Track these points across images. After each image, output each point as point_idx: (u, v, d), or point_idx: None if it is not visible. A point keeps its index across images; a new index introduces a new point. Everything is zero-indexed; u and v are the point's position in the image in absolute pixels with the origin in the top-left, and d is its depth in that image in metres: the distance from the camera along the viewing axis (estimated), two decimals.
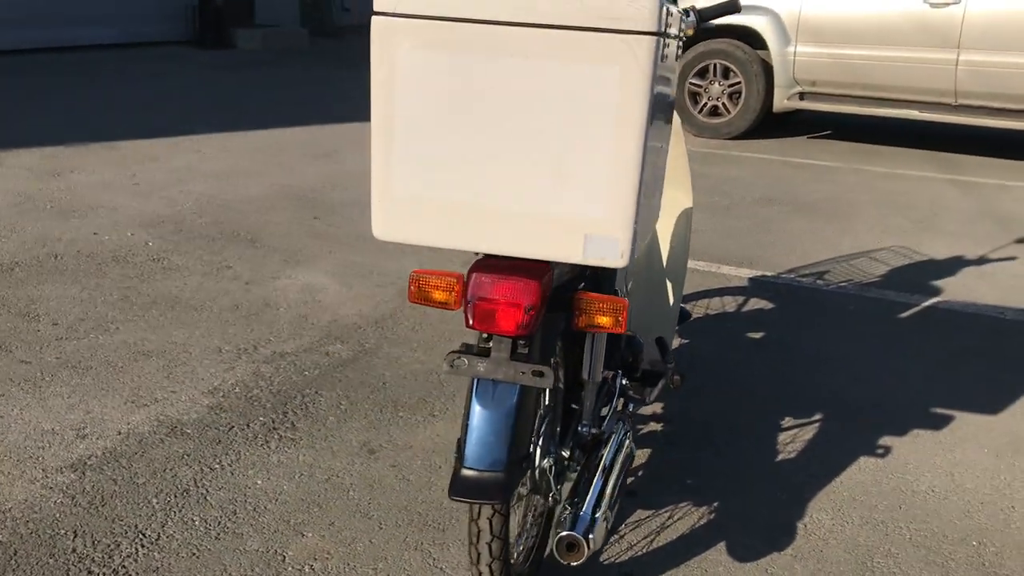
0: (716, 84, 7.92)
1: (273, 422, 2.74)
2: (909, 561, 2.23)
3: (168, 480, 2.42)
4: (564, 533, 1.71)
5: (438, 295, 1.72)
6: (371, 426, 2.75)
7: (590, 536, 1.71)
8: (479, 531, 1.70)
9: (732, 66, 7.82)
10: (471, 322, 1.57)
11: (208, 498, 2.35)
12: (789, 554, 2.24)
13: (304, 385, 2.98)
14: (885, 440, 2.82)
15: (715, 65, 7.90)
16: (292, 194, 5.33)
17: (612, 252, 1.47)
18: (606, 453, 1.96)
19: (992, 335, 3.69)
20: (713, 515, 2.38)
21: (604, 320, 1.63)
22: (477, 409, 1.63)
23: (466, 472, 1.60)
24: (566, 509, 1.80)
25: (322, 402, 2.88)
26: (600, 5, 1.37)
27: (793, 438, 2.80)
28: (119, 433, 2.64)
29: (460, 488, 1.59)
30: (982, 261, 4.69)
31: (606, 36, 1.38)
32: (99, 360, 3.09)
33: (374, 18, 1.47)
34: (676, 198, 2.70)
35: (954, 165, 7.07)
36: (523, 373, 1.60)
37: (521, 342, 1.62)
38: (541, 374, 1.60)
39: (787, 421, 2.90)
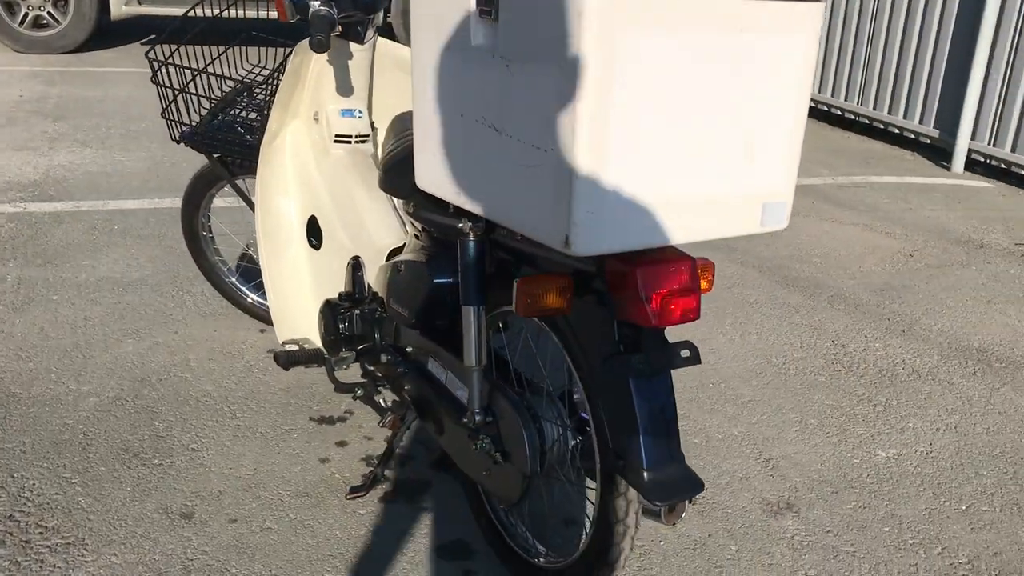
0: None
1: (16, 538, 1.96)
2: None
3: None
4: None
5: (552, 300, 1.52)
6: (145, 489, 2.15)
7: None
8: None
9: None
10: (655, 321, 1.44)
11: None
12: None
13: None
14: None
15: None
16: None
17: (781, 216, 1.49)
18: None
19: None
20: None
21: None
22: (645, 408, 1.52)
23: (653, 475, 1.50)
24: None
25: (40, 486, 2.13)
26: None
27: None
28: None
29: (665, 492, 1.49)
30: None
31: (798, 5, 1.37)
32: None
33: None
34: None
35: None
36: (675, 356, 1.54)
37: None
38: (691, 350, 1.56)
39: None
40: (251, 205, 2.69)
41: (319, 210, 2.40)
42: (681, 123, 1.34)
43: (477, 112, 1.46)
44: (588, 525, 1.69)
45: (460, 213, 1.75)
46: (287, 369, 2.28)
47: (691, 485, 1.52)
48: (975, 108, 5.68)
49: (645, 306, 1.45)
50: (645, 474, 1.50)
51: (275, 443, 2.37)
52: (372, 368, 2.20)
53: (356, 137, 2.39)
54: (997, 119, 5.63)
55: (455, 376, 1.88)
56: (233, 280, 2.95)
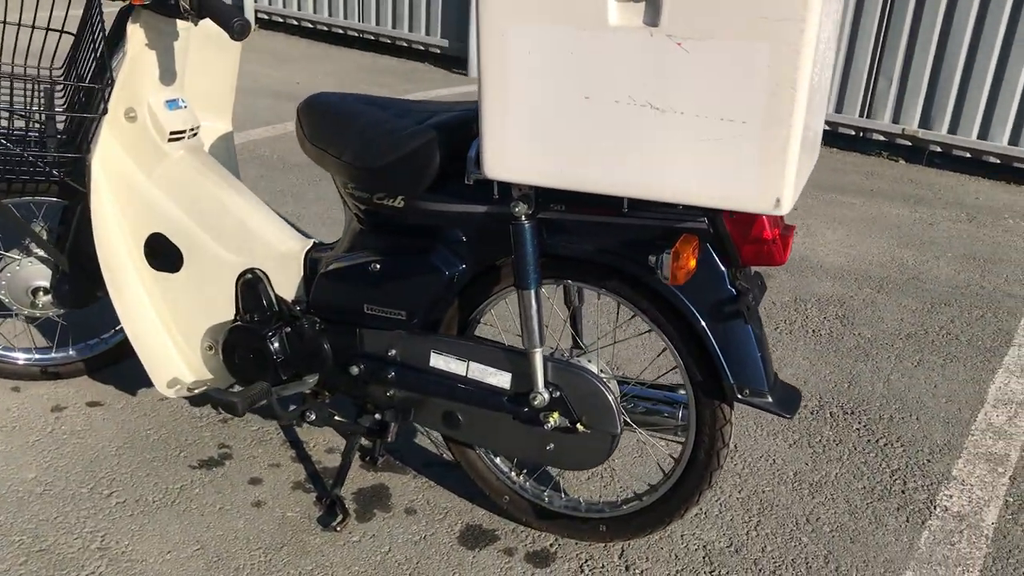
0: None
1: None
2: None
3: None
4: None
5: (693, 263, 1.59)
6: None
7: None
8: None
9: None
10: (781, 258, 1.59)
11: None
12: None
13: None
14: None
15: None
16: None
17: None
18: None
19: None
20: None
21: None
22: (760, 339, 1.67)
23: (777, 395, 1.68)
24: None
25: None
26: None
27: None
28: None
29: (789, 405, 1.68)
30: None
31: None
32: None
33: None
34: (215, 128, 2.21)
35: None
36: (757, 289, 1.71)
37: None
38: (761, 279, 1.73)
39: None
40: (28, 234, 2.12)
41: (167, 227, 2.01)
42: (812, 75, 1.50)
43: (617, 92, 1.44)
44: (680, 457, 1.81)
45: (506, 199, 1.69)
46: (243, 415, 1.92)
47: (798, 393, 1.75)
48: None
49: (772, 246, 1.60)
50: (770, 396, 1.69)
51: (185, 507, 2.01)
52: (328, 385, 1.97)
53: (189, 132, 2.03)
54: None
55: (485, 364, 1.82)
56: None
